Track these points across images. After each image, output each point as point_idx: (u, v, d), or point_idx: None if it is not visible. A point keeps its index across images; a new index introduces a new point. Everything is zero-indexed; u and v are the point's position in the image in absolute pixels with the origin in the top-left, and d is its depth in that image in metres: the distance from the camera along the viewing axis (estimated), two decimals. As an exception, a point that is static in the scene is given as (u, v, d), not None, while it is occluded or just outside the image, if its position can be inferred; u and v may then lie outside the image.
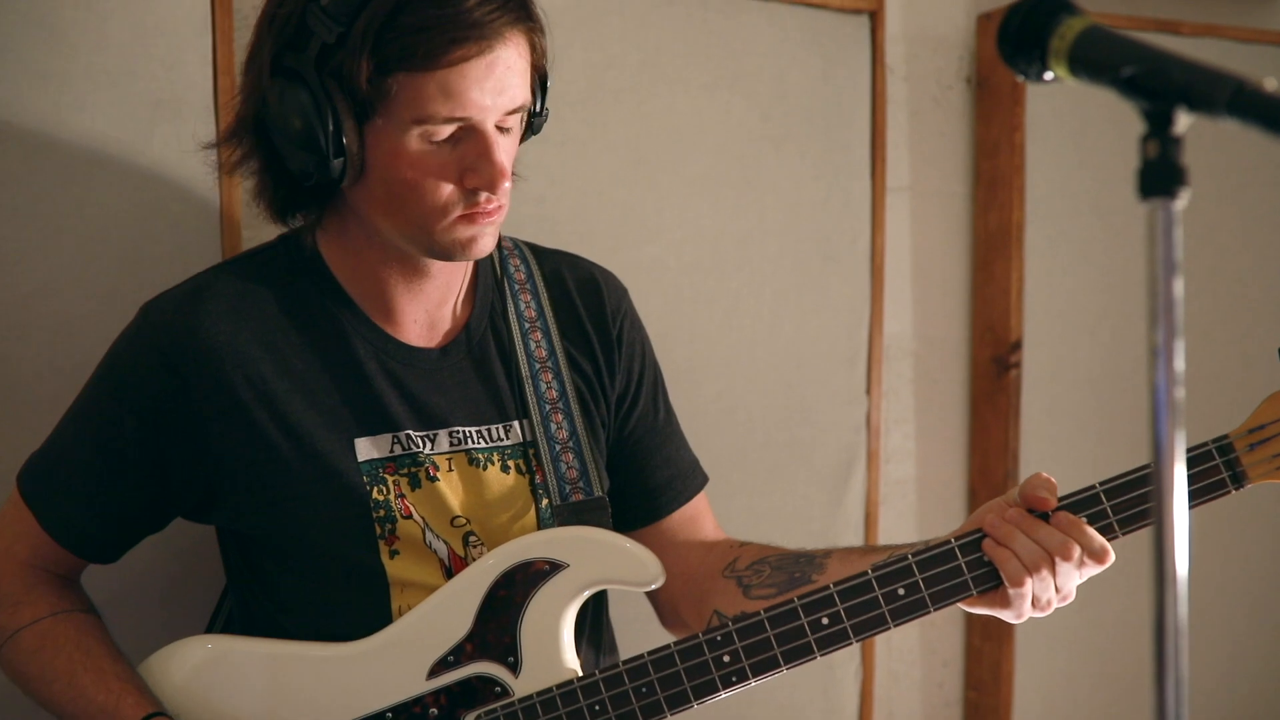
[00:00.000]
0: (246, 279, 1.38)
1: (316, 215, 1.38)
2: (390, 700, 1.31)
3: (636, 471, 1.52)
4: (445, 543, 1.37)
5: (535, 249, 1.53)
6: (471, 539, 1.38)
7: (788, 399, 1.96)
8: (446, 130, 1.26)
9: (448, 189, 1.27)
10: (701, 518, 1.56)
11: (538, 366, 1.44)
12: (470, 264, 1.45)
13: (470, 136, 1.27)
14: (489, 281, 1.47)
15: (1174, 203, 0.81)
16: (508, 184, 1.28)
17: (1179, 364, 0.82)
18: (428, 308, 1.41)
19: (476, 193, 1.28)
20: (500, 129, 1.28)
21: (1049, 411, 2.12)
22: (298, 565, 1.38)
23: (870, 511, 2.02)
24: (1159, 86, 0.82)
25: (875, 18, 1.97)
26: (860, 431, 2.01)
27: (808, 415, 1.97)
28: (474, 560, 1.37)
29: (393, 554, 1.35)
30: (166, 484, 1.36)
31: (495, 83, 1.25)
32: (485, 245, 1.32)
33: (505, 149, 1.29)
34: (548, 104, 1.37)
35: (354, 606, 1.35)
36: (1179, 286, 0.81)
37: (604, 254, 1.77)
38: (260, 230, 1.60)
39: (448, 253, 1.32)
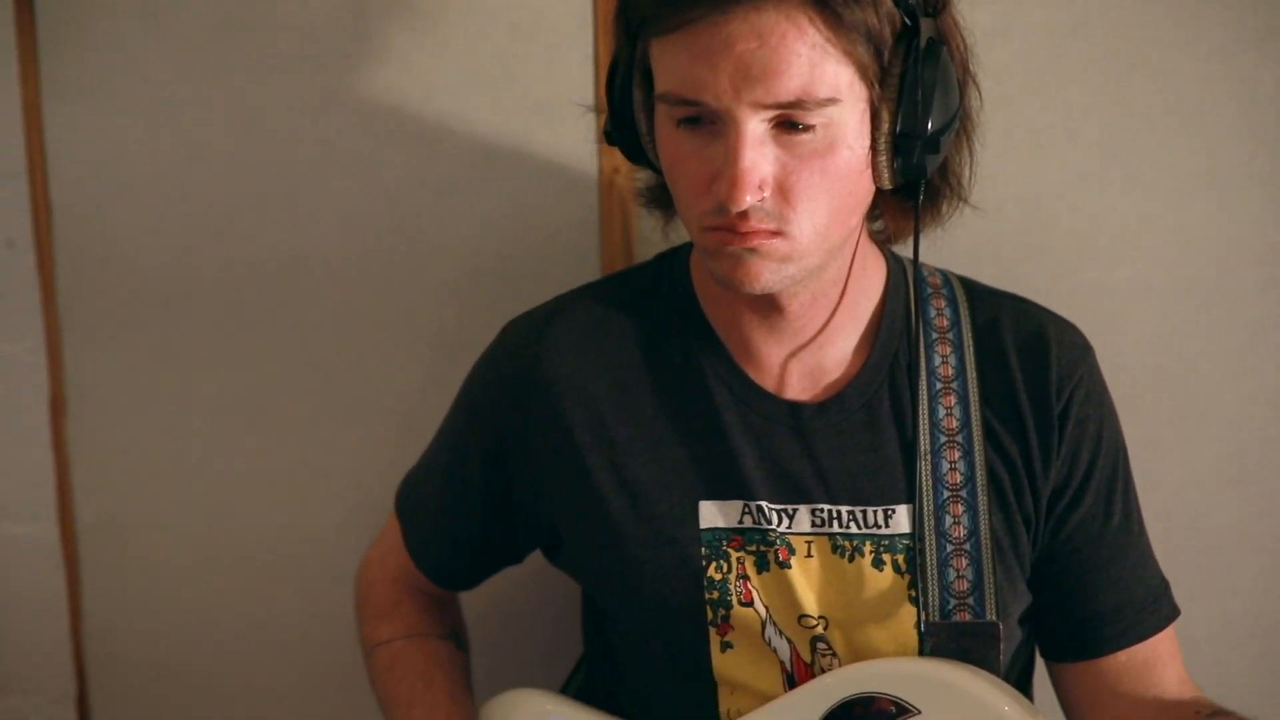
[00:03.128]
0: (607, 304, 1.22)
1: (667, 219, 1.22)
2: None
3: (1070, 591, 1.17)
4: (790, 641, 1.14)
5: (972, 289, 1.20)
6: (820, 645, 1.13)
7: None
8: (681, 112, 1.01)
9: (697, 190, 1.03)
10: (1159, 665, 1.18)
11: (943, 440, 1.13)
12: (865, 299, 1.16)
13: (726, 128, 1.00)
14: (896, 326, 1.17)
15: None
16: (751, 199, 0.99)
17: None
18: (794, 350, 1.16)
19: (723, 205, 1.01)
20: (790, 124, 0.99)
21: None
22: (629, 642, 1.23)
23: None
24: None
25: None
26: None
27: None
28: (821, 670, 1.13)
29: (724, 646, 1.14)
30: (511, 520, 1.25)
31: (737, 64, 0.96)
32: (749, 276, 1.03)
33: (777, 153, 1.00)
34: (947, 106, 1.03)
35: (680, 700, 1.18)
36: None
37: (1060, 276, 1.41)
38: (647, 242, 1.45)
39: (715, 275, 1.07)
